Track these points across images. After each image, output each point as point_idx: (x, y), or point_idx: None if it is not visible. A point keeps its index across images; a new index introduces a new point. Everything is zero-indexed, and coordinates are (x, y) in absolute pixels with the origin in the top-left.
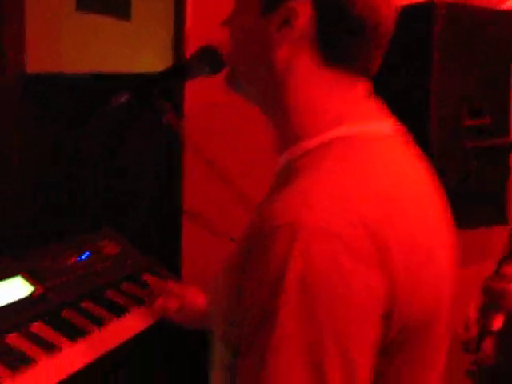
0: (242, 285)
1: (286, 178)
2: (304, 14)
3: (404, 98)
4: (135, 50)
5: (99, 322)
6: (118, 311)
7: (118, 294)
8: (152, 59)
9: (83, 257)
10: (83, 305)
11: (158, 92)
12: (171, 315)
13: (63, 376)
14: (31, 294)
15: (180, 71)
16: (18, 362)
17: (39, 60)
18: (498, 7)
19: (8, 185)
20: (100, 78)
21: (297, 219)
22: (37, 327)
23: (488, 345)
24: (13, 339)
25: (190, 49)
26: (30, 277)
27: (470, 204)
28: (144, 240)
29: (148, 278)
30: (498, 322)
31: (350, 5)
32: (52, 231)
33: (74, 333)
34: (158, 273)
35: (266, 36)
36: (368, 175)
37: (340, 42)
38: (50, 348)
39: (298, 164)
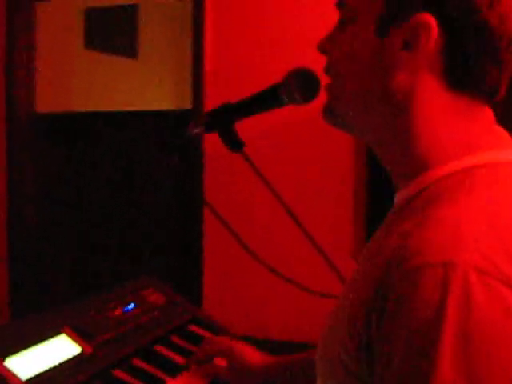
0: (379, 325)
1: (416, 208)
2: (430, 33)
3: None
4: (142, 87)
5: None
6: (172, 369)
7: (169, 349)
8: (158, 96)
9: (129, 308)
10: (135, 362)
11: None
12: (222, 374)
13: None
14: (80, 354)
15: (267, 98)
16: None
17: (48, 99)
18: None
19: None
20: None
21: (450, 259)
22: None
23: None
24: None
25: (210, 89)
26: (76, 334)
27: None
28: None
29: (196, 329)
30: None
31: (485, 20)
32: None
33: None
34: (204, 323)
35: (383, 59)
36: None
37: (469, 63)
38: None
39: (431, 192)
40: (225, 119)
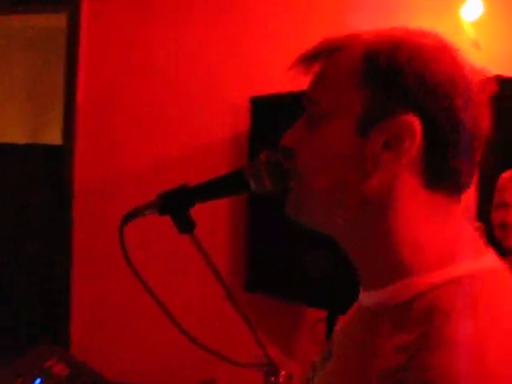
0: None
1: (413, 319)
2: (415, 136)
3: None
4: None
5: None
6: None
7: None
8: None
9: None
10: None
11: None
12: None
13: None
14: None
15: (232, 182)
16: None
17: None
18: None
19: None
20: None
21: None
22: None
23: None
24: None
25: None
26: None
27: None
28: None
29: None
30: None
31: (462, 121)
32: None
33: None
34: None
35: (363, 159)
36: None
37: (447, 163)
38: None
39: (428, 303)
40: (181, 203)
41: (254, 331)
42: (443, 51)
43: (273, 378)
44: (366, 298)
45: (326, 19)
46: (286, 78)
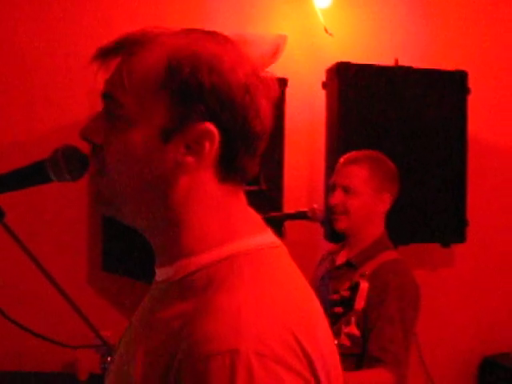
0: None
1: (192, 291)
2: (214, 141)
3: None
4: None
5: None
6: None
7: None
8: None
9: None
10: None
11: None
12: None
13: None
14: None
15: (33, 173)
16: None
17: None
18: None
19: None
20: None
21: (234, 346)
22: None
23: None
24: None
25: None
26: None
27: None
28: None
29: None
30: None
31: (252, 126)
32: None
33: None
34: None
35: (166, 162)
36: (284, 289)
37: (239, 160)
38: None
39: (204, 277)
40: None
41: (82, 316)
42: (235, 58)
43: (109, 358)
44: (158, 274)
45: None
46: None
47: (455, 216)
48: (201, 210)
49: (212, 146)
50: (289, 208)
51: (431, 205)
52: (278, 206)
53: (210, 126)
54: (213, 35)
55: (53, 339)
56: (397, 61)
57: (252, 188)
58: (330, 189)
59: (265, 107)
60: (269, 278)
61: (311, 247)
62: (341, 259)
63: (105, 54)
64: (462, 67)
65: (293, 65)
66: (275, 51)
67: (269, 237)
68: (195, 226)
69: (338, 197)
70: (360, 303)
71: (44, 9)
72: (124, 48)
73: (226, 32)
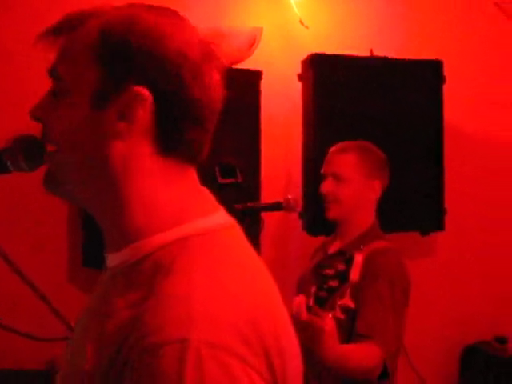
0: None
1: (141, 277)
2: (146, 105)
3: None
4: None
5: None
6: None
7: None
8: None
9: None
10: None
11: None
12: None
13: None
14: None
15: None
16: None
17: None
18: (235, 65)
19: None
20: None
21: (184, 336)
22: None
23: None
24: None
25: None
26: None
27: None
28: None
29: None
30: None
31: (190, 92)
32: None
33: None
34: None
35: (101, 130)
36: (240, 272)
37: (179, 130)
38: None
39: (154, 262)
40: None
41: (52, 308)
42: (176, 28)
43: None
44: (109, 261)
45: None
46: None
47: (433, 204)
48: (142, 186)
49: (144, 111)
50: (266, 200)
51: (409, 194)
52: (255, 197)
53: (141, 90)
54: (157, 8)
55: (28, 333)
56: (372, 51)
57: (229, 180)
58: (320, 179)
59: (209, 76)
60: (223, 260)
61: (289, 239)
62: (333, 249)
63: (50, 33)
64: (437, 56)
65: (268, 57)
66: (251, 44)
67: (222, 217)
68: (139, 205)
69: (328, 185)
70: (355, 275)
71: (38, 8)
72: (67, 26)
73: (203, 25)
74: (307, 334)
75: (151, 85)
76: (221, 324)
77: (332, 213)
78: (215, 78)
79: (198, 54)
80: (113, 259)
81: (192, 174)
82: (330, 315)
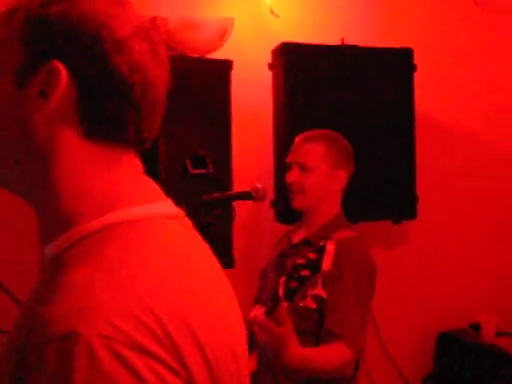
0: None
1: (55, 272)
2: (59, 80)
3: None
4: None
5: None
6: None
7: None
8: None
9: None
10: None
11: None
12: None
13: None
14: None
15: None
16: None
17: None
18: (206, 55)
19: None
20: None
21: (74, 329)
22: None
23: None
24: None
25: None
26: None
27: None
28: None
29: None
30: (252, 363)
31: (114, 67)
32: None
33: None
34: None
35: (23, 110)
36: (159, 264)
37: (105, 110)
38: None
39: (66, 255)
40: None
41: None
42: (99, 2)
43: None
44: (41, 254)
45: None
46: None
47: (405, 193)
48: (67, 171)
49: (61, 86)
50: (238, 190)
51: (381, 182)
52: (227, 188)
53: (56, 64)
54: None
55: None
56: (343, 40)
57: (200, 171)
58: (285, 168)
59: (140, 52)
60: (141, 251)
61: (262, 229)
62: (298, 238)
63: None
64: (408, 45)
65: (239, 47)
66: (223, 34)
67: (163, 207)
68: (67, 192)
69: (294, 175)
70: (327, 264)
71: None
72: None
73: (174, 15)
74: (271, 340)
75: (68, 59)
76: (118, 315)
77: (297, 202)
78: (148, 55)
79: (126, 29)
80: (43, 253)
81: (130, 161)
82: (302, 305)
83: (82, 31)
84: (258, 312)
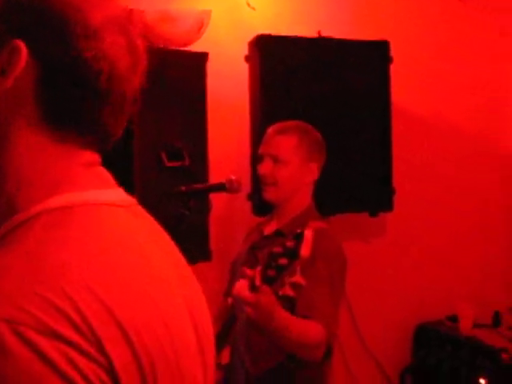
0: None
1: None
2: (19, 59)
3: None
4: None
5: None
6: None
7: None
8: None
9: None
10: None
11: None
12: None
13: None
14: None
15: None
16: None
17: None
18: (184, 48)
19: None
20: None
21: None
22: None
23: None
24: None
25: None
26: None
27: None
28: None
29: None
30: (225, 356)
31: (80, 51)
32: None
33: None
34: None
35: None
36: (84, 250)
37: (64, 95)
38: None
39: (3, 241)
40: None
41: None
42: None
43: None
44: None
45: None
46: None
47: (382, 185)
48: (17, 155)
49: (18, 65)
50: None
51: (357, 175)
52: (203, 180)
53: (17, 43)
54: None
55: None
56: (320, 32)
57: (176, 164)
58: (257, 159)
59: (111, 41)
60: (66, 235)
61: (238, 221)
62: (269, 230)
63: None
64: (385, 37)
65: (216, 39)
66: (200, 27)
67: (111, 195)
68: (14, 178)
69: (266, 167)
70: (306, 251)
71: None
72: None
73: (151, 8)
74: (258, 312)
75: (35, 40)
76: (29, 299)
77: (269, 195)
78: (124, 49)
79: (99, 17)
80: None
81: (85, 150)
82: (280, 293)
83: (50, 12)
84: (241, 287)
